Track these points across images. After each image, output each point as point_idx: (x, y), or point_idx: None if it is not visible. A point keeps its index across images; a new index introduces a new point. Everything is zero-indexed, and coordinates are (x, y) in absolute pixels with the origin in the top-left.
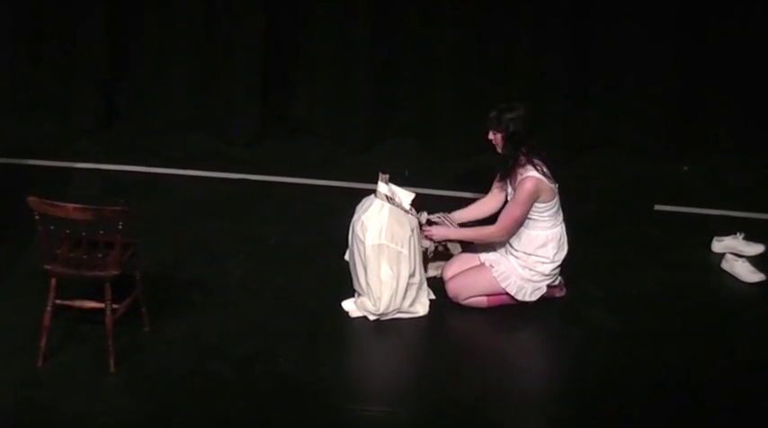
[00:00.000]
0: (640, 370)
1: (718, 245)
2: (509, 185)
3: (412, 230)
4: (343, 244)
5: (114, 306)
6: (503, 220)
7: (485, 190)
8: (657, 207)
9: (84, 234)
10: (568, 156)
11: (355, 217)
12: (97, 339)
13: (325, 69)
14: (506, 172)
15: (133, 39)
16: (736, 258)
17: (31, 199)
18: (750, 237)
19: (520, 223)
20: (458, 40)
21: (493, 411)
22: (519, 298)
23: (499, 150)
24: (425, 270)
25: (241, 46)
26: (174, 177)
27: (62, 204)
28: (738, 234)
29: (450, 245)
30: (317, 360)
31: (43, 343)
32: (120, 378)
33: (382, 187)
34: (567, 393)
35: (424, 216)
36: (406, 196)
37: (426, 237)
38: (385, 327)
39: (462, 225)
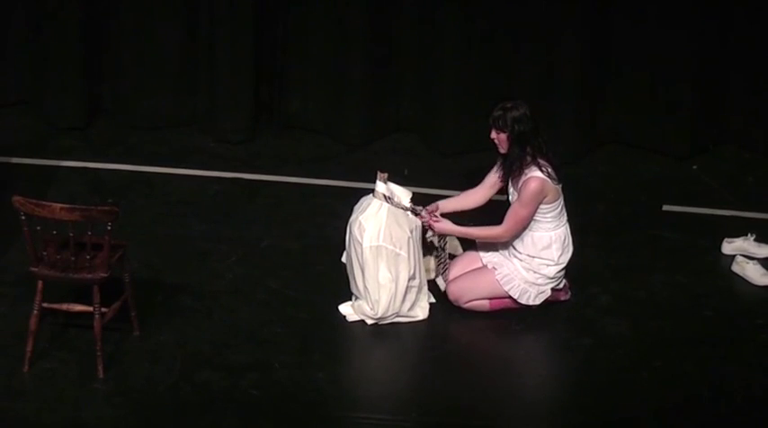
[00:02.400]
0: (651, 378)
1: (729, 246)
2: (511, 185)
3: (411, 231)
4: (340, 245)
5: (103, 309)
6: (508, 222)
7: None
8: (666, 207)
9: (71, 235)
10: (576, 154)
11: (352, 217)
12: (84, 344)
13: (320, 61)
14: (512, 173)
15: (118, 32)
16: (747, 260)
17: (16, 198)
18: (761, 239)
19: (525, 224)
20: (461, 29)
21: (496, 419)
22: (522, 302)
23: (502, 150)
24: (432, 271)
25: (230, 37)
26: (162, 176)
27: (49, 204)
28: (750, 235)
29: (451, 245)
30: (313, 367)
31: (29, 347)
32: (108, 386)
33: (380, 186)
34: (574, 401)
35: (424, 212)
36: (404, 195)
37: (429, 229)
38: (383, 332)
39: (445, 215)
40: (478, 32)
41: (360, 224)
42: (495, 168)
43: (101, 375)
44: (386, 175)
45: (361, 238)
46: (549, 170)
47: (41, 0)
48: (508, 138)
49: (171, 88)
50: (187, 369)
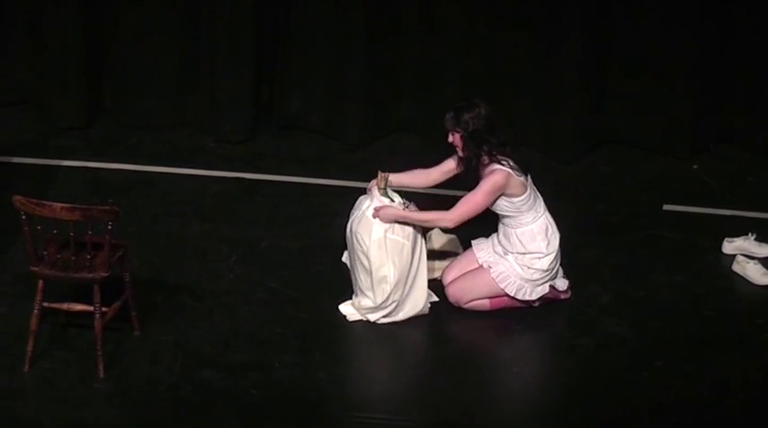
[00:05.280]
0: (651, 378)
1: (729, 246)
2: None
3: (413, 226)
4: (340, 245)
5: (103, 309)
6: (461, 206)
7: None
8: (667, 207)
9: (71, 234)
10: (577, 154)
11: (353, 216)
12: (85, 343)
13: (321, 61)
14: (470, 171)
15: (118, 32)
16: (748, 260)
17: (16, 198)
18: (762, 238)
19: (477, 212)
20: (461, 29)
21: (496, 419)
22: (519, 297)
23: (460, 153)
24: (437, 271)
25: (230, 36)
26: (162, 175)
27: (49, 204)
28: (750, 234)
29: (451, 244)
30: (313, 366)
31: (30, 347)
32: (108, 386)
33: (381, 186)
34: (574, 401)
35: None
36: (394, 197)
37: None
38: (384, 332)
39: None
40: (478, 32)
41: (366, 219)
42: (453, 157)
43: (101, 375)
44: (387, 175)
45: (368, 234)
46: (511, 163)
47: (42, 0)
48: (462, 137)
49: (171, 88)
50: (187, 368)
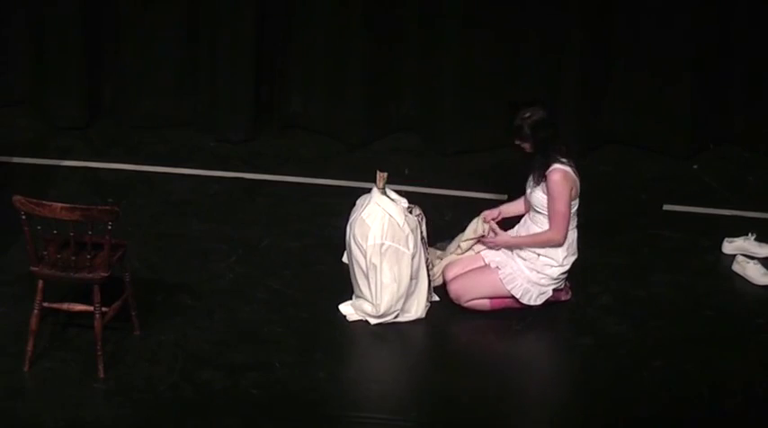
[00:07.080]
0: (651, 378)
1: (729, 246)
2: (528, 186)
3: (412, 231)
4: (340, 245)
5: (103, 309)
6: (558, 224)
7: (490, 188)
8: (667, 207)
9: (71, 234)
10: (577, 154)
11: (353, 217)
12: (85, 343)
13: (321, 61)
14: (539, 177)
15: (118, 32)
16: (748, 260)
17: (17, 198)
18: (762, 238)
19: (568, 217)
20: (462, 29)
21: (496, 419)
22: (524, 301)
23: (528, 151)
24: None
25: (230, 37)
26: (162, 175)
27: (49, 204)
28: (750, 234)
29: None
30: (313, 366)
31: (30, 347)
32: (109, 386)
33: (380, 186)
34: (574, 401)
35: (482, 226)
36: (399, 201)
37: (487, 246)
38: (384, 332)
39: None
40: (479, 32)
41: (362, 221)
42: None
43: (101, 375)
44: (386, 175)
45: (364, 237)
46: (571, 163)
47: (42, 0)
48: (531, 146)
49: (171, 88)
50: (187, 368)
